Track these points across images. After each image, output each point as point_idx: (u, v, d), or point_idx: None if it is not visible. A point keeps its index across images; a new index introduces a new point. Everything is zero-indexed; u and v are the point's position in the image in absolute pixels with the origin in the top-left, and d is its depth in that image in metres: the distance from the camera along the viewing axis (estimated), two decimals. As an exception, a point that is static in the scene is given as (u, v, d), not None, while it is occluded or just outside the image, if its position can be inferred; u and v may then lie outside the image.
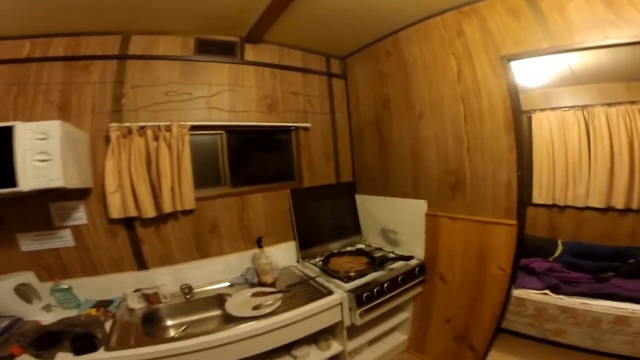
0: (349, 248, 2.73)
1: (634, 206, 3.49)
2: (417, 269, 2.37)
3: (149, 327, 1.98)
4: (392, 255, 2.49)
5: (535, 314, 2.48)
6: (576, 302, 2.31)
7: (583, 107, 3.75)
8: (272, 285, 2.28)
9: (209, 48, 2.45)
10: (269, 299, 2.08)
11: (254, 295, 2.16)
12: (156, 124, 2.22)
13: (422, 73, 2.33)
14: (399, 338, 2.52)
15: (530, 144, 4.16)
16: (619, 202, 3.55)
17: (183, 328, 1.95)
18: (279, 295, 2.13)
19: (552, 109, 3.96)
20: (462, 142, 2.09)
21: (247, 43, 2.54)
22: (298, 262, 2.38)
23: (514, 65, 1.80)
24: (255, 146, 2.70)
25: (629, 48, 2.60)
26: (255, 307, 2.02)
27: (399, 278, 2.25)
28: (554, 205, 4.03)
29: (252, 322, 1.85)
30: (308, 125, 2.75)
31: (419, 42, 2.30)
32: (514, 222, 1.85)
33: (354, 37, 2.67)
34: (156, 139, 2.21)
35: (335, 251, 2.65)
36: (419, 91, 2.37)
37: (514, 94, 1.80)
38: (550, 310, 2.41)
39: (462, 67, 2.04)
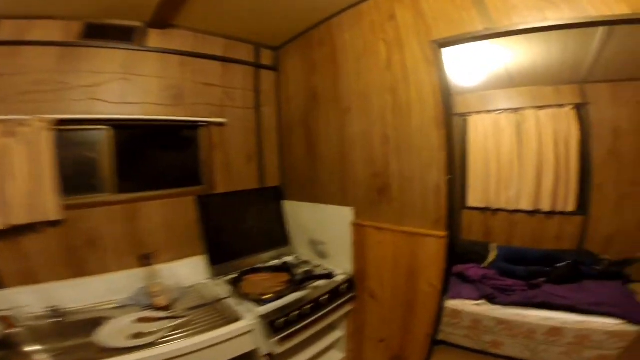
0: (274, 262, 2.37)
1: (558, 209, 3.59)
2: (344, 286, 2.06)
3: (3, 353, 1.47)
4: (319, 270, 2.16)
5: (471, 325, 2.36)
6: (511, 313, 2.21)
7: (515, 110, 3.80)
8: (167, 308, 1.84)
9: (100, 33, 1.98)
10: (155, 326, 1.64)
11: (140, 320, 1.70)
12: (8, 117, 1.68)
13: (351, 62, 2.04)
14: (336, 356, 2.21)
15: (466, 147, 4.16)
16: (545, 205, 3.63)
17: (46, 357, 1.46)
18: (170, 321, 1.69)
19: (488, 111, 3.97)
20: (389, 139, 1.83)
21: (152, 28, 2.08)
22: (211, 279, 1.94)
23: (447, 52, 1.56)
24: (153, 145, 2.20)
25: (561, 50, 2.60)
26: (136, 336, 1.57)
27: (324, 298, 1.91)
28: (487, 209, 4.04)
29: (127, 355, 1.40)
30: (223, 120, 2.33)
31: (351, 28, 2.02)
32: (443, 233, 1.62)
33: (287, 24, 2.31)
34: (10, 136, 1.67)
35: (254, 267, 2.26)
36: (347, 82, 2.07)
37: (444, 85, 1.56)
38: (486, 322, 2.30)
39: (392, 54, 1.77)
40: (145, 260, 1.92)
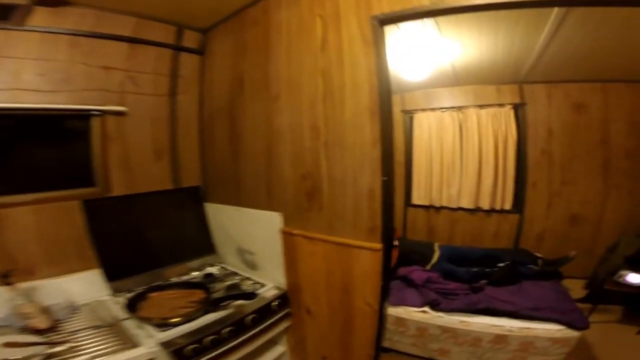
0: (195, 274, 2.00)
1: (497, 207, 3.65)
2: (275, 303, 1.77)
3: None
4: (247, 284, 1.85)
5: (417, 334, 2.24)
6: (456, 320, 2.11)
7: (459, 109, 3.78)
8: (47, 331, 1.42)
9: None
10: (24, 352, 1.24)
11: (7, 345, 1.29)
12: None
13: (284, 42, 1.73)
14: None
15: (411, 145, 4.08)
16: (485, 203, 3.66)
17: None
18: (47, 347, 1.29)
19: (432, 109, 3.91)
20: (319, 132, 1.57)
21: (41, 6, 1.59)
22: (112, 296, 1.55)
23: (389, 32, 1.32)
24: (27, 138, 1.70)
25: (508, 45, 2.54)
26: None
27: (250, 318, 1.61)
28: (431, 206, 4.00)
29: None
30: (122, 109, 1.88)
31: (289, 4, 1.71)
32: (378, 245, 1.39)
33: (217, 2, 1.91)
34: None
35: (163, 283, 1.88)
36: (278, 66, 1.76)
37: (383, 69, 1.31)
38: (431, 330, 2.18)
39: (327, 32, 1.50)
40: (3, 278, 1.47)
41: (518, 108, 3.55)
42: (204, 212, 2.25)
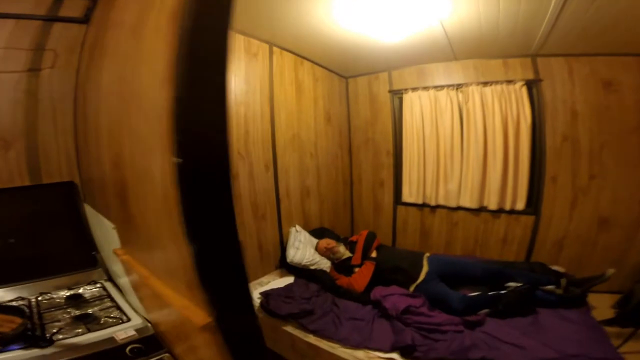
0: (64, 293, 1.39)
1: (507, 207, 2.97)
2: (133, 347, 1.13)
3: None
4: (114, 313, 1.23)
5: None
6: None
7: (457, 86, 3.10)
8: None
9: None
10: None
11: None
12: None
13: None
14: None
15: (401, 131, 3.41)
16: (491, 202, 2.99)
17: None
18: None
19: (425, 88, 3.24)
20: (123, 92, 0.92)
21: None
22: None
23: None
24: None
25: (510, 16, 2.02)
26: None
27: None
28: (425, 205, 3.33)
29: None
30: None
31: None
32: (204, 318, 0.62)
33: None
34: None
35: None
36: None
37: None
38: None
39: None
40: None
41: (532, 85, 2.85)
42: (82, 216, 1.61)
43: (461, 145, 3.11)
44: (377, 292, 2.06)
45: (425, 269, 2.20)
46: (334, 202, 3.45)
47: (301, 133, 2.94)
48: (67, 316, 1.30)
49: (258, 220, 2.51)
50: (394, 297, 1.91)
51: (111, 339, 1.12)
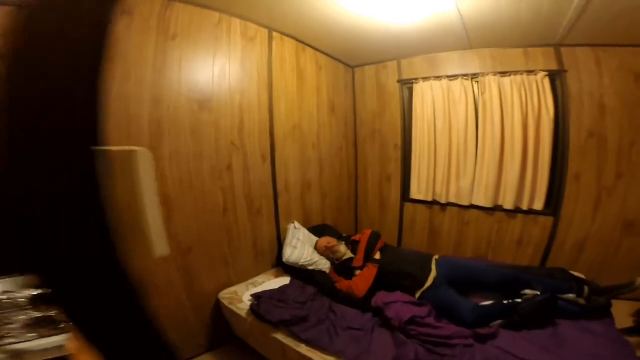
0: (29, 292, 1.26)
1: (524, 206, 2.75)
2: None
3: None
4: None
5: None
6: None
7: (473, 76, 2.86)
8: None
9: None
10: None
11: None
12: None
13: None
14: None
15: (410, 123, 3.20)
16: (507, 201, 2.77)
17: None
18: None
19: (438, 77, 3.00)
20: None
21: None
22: None
23: None
24: None
25: (536, 6, 1.88)
26: None
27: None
28: (435, 202, 3.13)
29: None
30: None
31: None
32: None
33: None
34: None
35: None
36: None
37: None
38: None
39: None
40: None
41: (555, 76, 2.61)
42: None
43: (476, 138, 2.89)
44: (379, 298, 1.88)
45: (433, 273, 2.01)
46: (338, 197, 3.27)
47: (303, 123, 2.75)
48: (26, 318, 1.16)
49: (253, 215, 2.35)
50: (398, 305, 1.72)
51: (60, 348, 0.97)
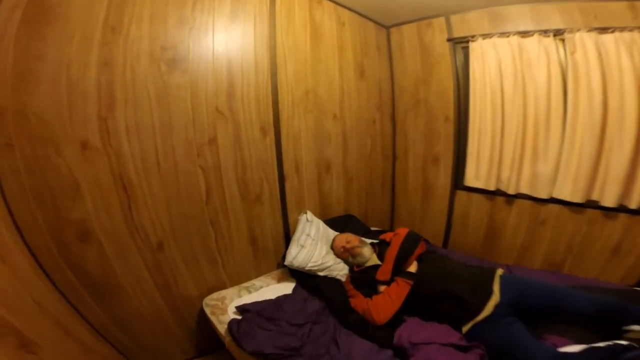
0: None
1: (631, 204, 1.91)
2: None
3: None
4: None
5: None
6: None
7: (556, 32, 2.02)
8: None
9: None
10: None
11: None
12: None
13: None
14: None
15: (467, 91, 2.43)
16: (607, 196, 1.95)
17: None
18: None
19: (503, 34, 2.19)
20: None
21: None
22: None
23: None
24: None
25: None
26: None
27: None
28: (498, 193, 2.38)
29: None
30: None
31: None
32: None
33: None
34: None
35: None
36: None
37: None
38: None
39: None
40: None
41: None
42: None
43: (564, 109, 2.07)
44: (406, 331, 1.30)
45: (495, 298, 1.37)
46: (368, 181, 2.65)
47: (319, 89, 2.16)
48: None
49: (249, 203, 1.85)
50: (432, 349, 1.13)
51: None
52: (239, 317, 1.53)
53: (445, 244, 2.65)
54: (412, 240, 1.73)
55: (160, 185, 1.53)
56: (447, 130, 2.55)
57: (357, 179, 2.53)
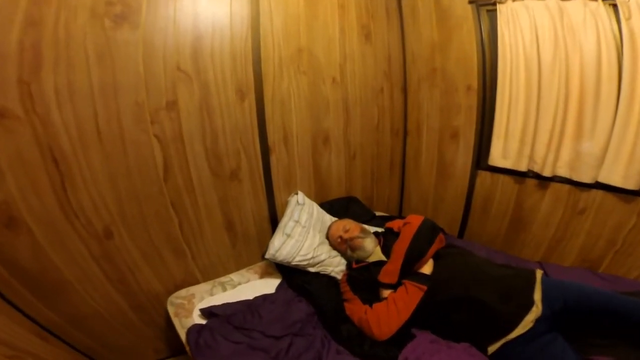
0: None
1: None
2: None
3: None
4: None
5: None
6: None
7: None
8: None
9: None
10: None
11: None
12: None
13: None
14: None
15: (494, 57, 2.02)
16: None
17: None
18: None
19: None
20: None
21: None
22: None
23: None
24: None
25: None
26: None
27: None
28: (529, 174, 2.00)
29: None
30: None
31: None
32: None
33: None
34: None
35: None
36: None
37: None
38: None
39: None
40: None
41: None
42: None
43: (618, 83, 1.65)
44: (414, 353, 0.98)
45: (536, 311, 1.04)
46: (374, 158, 2.29)
47: (315, 48, 1.77)
48: None
49: (223, 180, 1.53)
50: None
51: None
52: (204, 323, 1.23)
53: (461, 233, 2.30)
54: (428, 232, 1.36)
55: (103, 158, 1.22)
56: (469, 102, 2.16)
57: (361, 155, 2.16)
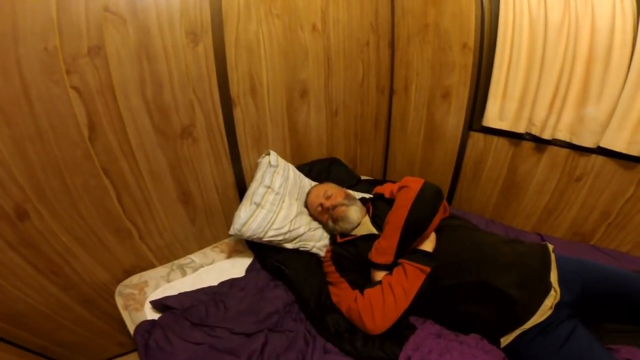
0: None
1: None
2: None
3: None
4: None
5: None
6: None
7: None
8: None
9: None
10: None
11: None
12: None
13: None
14: None
15: (495, 13, 1.76)
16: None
17: None
18: None
19: None
20: None
21: None
22: None
23: None
24: None
25: None
26: None
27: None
28: (527, 136, 1.83)
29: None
30: None
31: None
32: None
33: None
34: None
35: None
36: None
37: None
38: None
39: None
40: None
41: None
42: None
43: (632, 48, 1.46)
44: (417, 351, 0.79)
45: (554, 295, 0.88)
46: (358, 118, 2.04)
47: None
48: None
49: (172, 139, 1.23)
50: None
51: None
52: (156, 318, 0.98)
53: (449, 200, 2.15)
54: (431, 198, 1.10)
55: (2, 120, 0.86)
56: (464, 61, 1.92)
57: (344, 113, 1.89)
